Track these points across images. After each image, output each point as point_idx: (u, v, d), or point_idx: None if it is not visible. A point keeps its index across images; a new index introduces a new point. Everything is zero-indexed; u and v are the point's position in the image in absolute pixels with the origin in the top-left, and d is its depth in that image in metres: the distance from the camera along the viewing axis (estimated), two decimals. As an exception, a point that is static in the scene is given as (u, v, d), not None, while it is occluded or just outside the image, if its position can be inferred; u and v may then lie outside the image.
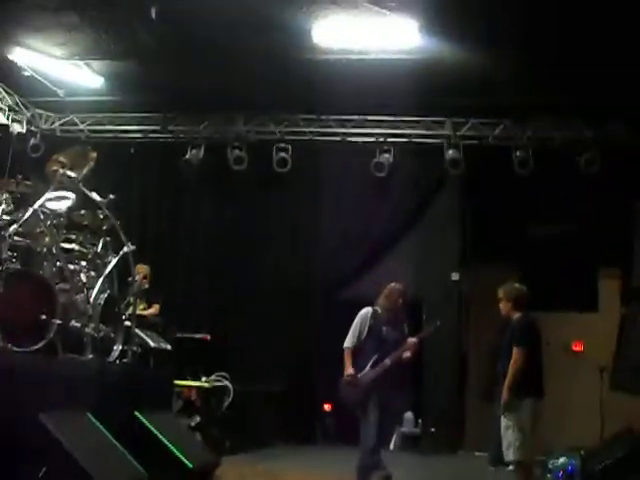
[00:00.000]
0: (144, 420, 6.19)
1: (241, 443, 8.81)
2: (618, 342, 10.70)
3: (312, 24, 8.20)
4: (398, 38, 8.38)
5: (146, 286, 9.35)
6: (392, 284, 6.84)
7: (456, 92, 9.49)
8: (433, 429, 10.26)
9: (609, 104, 9.33)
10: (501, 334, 6.38)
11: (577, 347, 10.94)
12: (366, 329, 6.67)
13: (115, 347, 6.60)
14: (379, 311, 6.72)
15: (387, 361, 6.52)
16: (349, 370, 6.61)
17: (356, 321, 6.75)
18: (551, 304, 10.75)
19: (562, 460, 7.99)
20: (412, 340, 6.59)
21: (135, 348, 6.92)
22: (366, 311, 6.75)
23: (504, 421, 6.01)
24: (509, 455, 5.94)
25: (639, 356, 10.52)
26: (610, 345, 10.64)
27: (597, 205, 10.26)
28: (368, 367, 6.58)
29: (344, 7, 7.86)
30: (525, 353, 6.07)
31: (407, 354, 6.55)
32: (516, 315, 6.28)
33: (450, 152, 10.28)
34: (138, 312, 8.05)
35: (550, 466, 7.98)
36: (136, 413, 6.17)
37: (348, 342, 6.71)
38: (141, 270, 9.03)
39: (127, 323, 6.80)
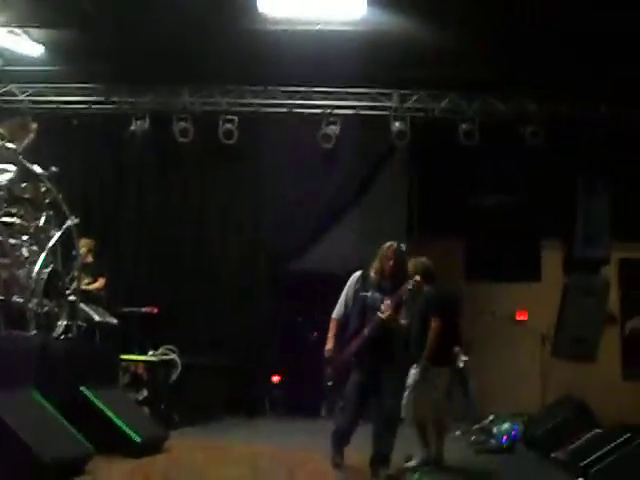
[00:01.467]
0: (90, 395, 6.15)
1: (189, 417, 8.81)
2: (560, 312, 10.98)
3: (258, -6, 8.10)
4: (345, 9, 8.33)
5: (90, 260, 9.23)
6: (386, 243, 6.16)
7: (402, 64, 9.49)
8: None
9: (554, 78, 9.46)
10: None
11: (521, 316, 11.19)
12: (352, 296, 6.10)
13: (59, 322, 6.52)
14: (371, 275, 6.10)
15: (365, 331, 5.93)
16: (328, 345, 6.09)
17: (345, 288, 6.20)
18: (496, 274, 10.99)
19: (506, 425, 8.21)
20: (386, 302, 5.87)
21: (80, 323, 6.85)
22: (354, 276, 6.18)
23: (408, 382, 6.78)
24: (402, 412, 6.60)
25: (579, 325, 10.82)
26: (552, 314, 10.91)
27: (541, 177, 10.45)
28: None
29: (291, -23, 7.77)
30: (439, 324, 6.72)
31: (381, 316, 5.84)
32: (426, 288, 6.74)
33: (396, 124, 10.31)
34: (83, 286, 7.95)
35: (494, 431, 8.19)
36: (82, 388, 6.13)
37: (334, 312, 6.18)
38: (85, 244, 8.91)
39: (71, 298, 6.71)
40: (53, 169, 6.60)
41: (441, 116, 10.42)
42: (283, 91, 10.54)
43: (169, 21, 8.49)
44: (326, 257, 10.62)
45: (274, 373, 10.93)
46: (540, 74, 9.32)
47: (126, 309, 9.57)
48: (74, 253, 6.88)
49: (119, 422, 6.16)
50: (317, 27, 8.65)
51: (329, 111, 10.49)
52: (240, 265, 10.93)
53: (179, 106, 10.58)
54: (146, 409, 8.01)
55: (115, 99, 10.68)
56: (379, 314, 5.84)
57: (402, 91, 10.44)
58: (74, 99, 10.67)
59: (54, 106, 10.62)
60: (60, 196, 6.70)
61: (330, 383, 6.08)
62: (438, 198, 10.61)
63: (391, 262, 6.01)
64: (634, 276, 11.38)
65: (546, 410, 9.09)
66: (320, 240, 10.87)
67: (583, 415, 8.11)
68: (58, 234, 6.63)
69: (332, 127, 10.44)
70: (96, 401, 6.15)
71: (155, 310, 9.88)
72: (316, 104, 10.52)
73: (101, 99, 10.69)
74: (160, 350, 8.98)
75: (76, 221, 6.76)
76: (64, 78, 10.53)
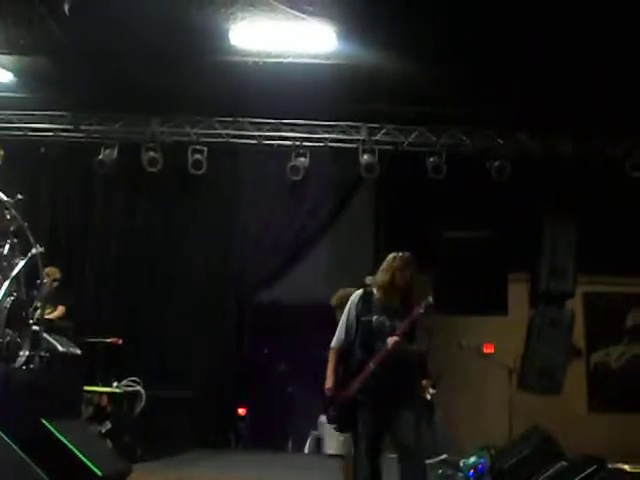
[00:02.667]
0: (51, 428, 6.01)
1: (153, 450, 8.66)
2: (526, 345, 11.04)
3: (230, 26, 8.15)
4: (316, 42, 8.43)
5: (54, 286, 9.11)
6: (391, 254, 5.25)
7: (372, 98, 9.61)
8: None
9: (518, 115, 9.64)
10: None
11: (488, 349, 11.22)
12: (353, 320, 5.17)
13: (21, 352, 6.38)
14: (374, 293, 5.17)
15: (371, 364, 4.99)
16: (327, 382, 5.14)
17: (345, 311, 5.28)
18: (463, 307, 11.03)
19: (473, 459, 8.20)
20: (394, 338, 4.99)
21: (43, 353, 6.71)
22: (354, 295, 5.25)
23: None
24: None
25: (545, 358, 10.89)
26: (519, 347, 10.97)
27: (507, 211, 10.57)
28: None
29: (262, 10, 7.84)
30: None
31: (390, 341, 4.95)
32: None
33: (365, 157, 10.39)
34: (45, 316, 7.82)
35: (462, 465, 8.17)
36: (43, 420, 6.00)
37: (333, 340, 5.26)
38: (52, 273, 8.81)
39: (35, 327, 6.59)
40: (19, 197, 6.52)
41: (409, 149, 10.52)
42: (252, 123, 10.58)
43: (140, 50, 8.50)
44: (294, 289, 10.61)
45: (240, 406, 10.82)
46: (506, 109, 9.48)
47: (90, 339, 9.43)
48: (38, 282, 6.78)
49: (80, 455, 6.02)
50: (288, 59, 8.73)
51: (298, 143, 10.54)
52: (207, 296, 10.85)
53: (148, 136, 10.56)
54: (109, 442, 7.86)
55: (84, 127, 10.64)
56: (388, 341, 4.93)
57: (371, 124, 10.54)
58: (42, 126, 10.60)
59: (22, 133, 10.53)
60: (25, 224, 6.61)
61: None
62: (406, 231, 10.66)
63: (404, 272, 5.10)
64: (599, 309, 11.52)
65: (513, 443, 9.09)
66: (288, 272, 10.85)
67: (550, 447, 8.12)
68: (22, 263, 6.53)
69: (301, 159, 10.48)
70: (58, 434, 6.01)
71: (120, 341, 9.73)
72: (285, 136, 10.57)
73: (70, 127, 10.63)
74: (124, 382, 8.84)
75: (41, 250, 6.66)
76: (33, 105, 10.47)
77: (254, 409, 10.78)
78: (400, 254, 5.18)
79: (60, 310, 9.03)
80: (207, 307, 10.79)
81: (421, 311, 5.05)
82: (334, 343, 5.23)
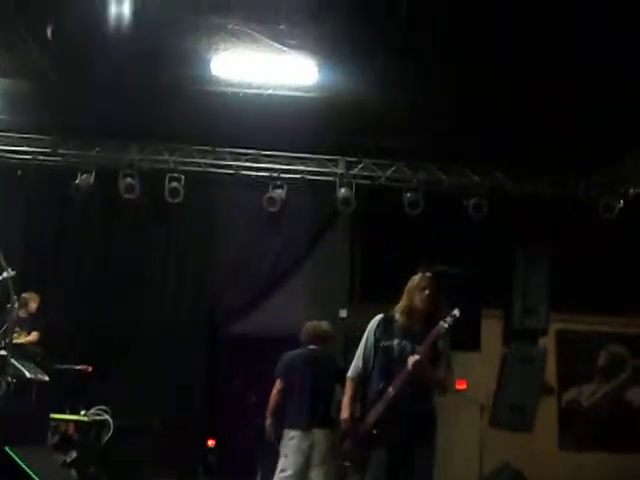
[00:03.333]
0: (15, 456, 5.90)
1: (119, 480, 8.52)
2: (498, 381, 11.06)
3: (211, 56, 8.20)
4: (297, 75, 8.49)
5: (30, 314, 9.02)
6: (417, 275, 4.90)
7: (350, 131, 9.68)
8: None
9: (494, 155, 9.77)
10: None
11: (461, 385, 11.20)
12: (371, 346, 4.74)
13: (-13, 378, 6.29)
14: (396, 317, 4.78)
15: (390, 390, 4.48)
16: (343, 413, 4.74)
17: (364, 337, 4.86)
18: (436, 343, 11.02)
19: (443, 497, 8.13)
20: (418, 351, 4.52)
21: (10, 379, 6.62)
22: (374, 320, 4.86)
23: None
24: None
25: (517, 395, 10.91)
26: (491, 384, 10.98)
27: (482, 247, 10.65)
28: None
29: (244, 41, 7.89)
30: (278, 385, 6.48)
31: (411, 361, 4.47)
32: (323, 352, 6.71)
33: (342, 190, 10.43)
34: (18, 341, 7.73)
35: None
36: (6, 448, 5.88)
37: (350, 369, 4.86)
38: (30, 297, 8.75)
39: (2, 352, 6.50)
40: (-9, 219, 6.47)
41: (386, 184, 10.58)
42: (231, 152, 10.59)
43: (121, 77, 8.51)
44: (267, 321, 10.55)
45: (209, 437, 10.68)
46: (483, 147, 9.59)
47: (59, 366, 9.29)
48: (8, 306, 6.69)
49: (44, 484, 5.91)
50: (268, 91, 8.78)
51: (276, 175, 10.56)
52: (179, 326, 10.73)
53: (126, 162, 10.53)
54: (74, 471, 7.72)
55: (61, 152, 10.59)
56: (409, 361, 4.42)
57: (349, 158, 10.60)
58: (20, 149, 10.54)
59: (-2, 155, 10.46)
60: (-3, 247, 6.54)
61: (347, 464, 4.98)
62: (380, 265, 10.69)
63: (426, 292, 4.72)
64: (571, 347, 11.58)
65: (483, 481, 9.08)
66: (261, 304, 10.79)
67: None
68: (-8, 286, 6.45)
69: (278, 191, 10.50)
70: (21, 462, 5.89)
71: (89, 369, 9.60)
72: (263, 167, 10.59)
73: (47, 151, 10.58)
74: (92, 410, 8.71)
75: (12, 273, 6.59)
76: (10, 127, 10.42)
77: (223, 441, 10.64)
78: (419, 275, 4.84)
79: (33, 335, 8.93)
80: (179, 337, 10.67)
81: (445, 326, 4.58)
82: (351, 372, 4.83)
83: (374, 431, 4.49)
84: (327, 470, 6.12)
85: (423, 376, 4.49)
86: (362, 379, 4.73)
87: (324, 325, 6.88)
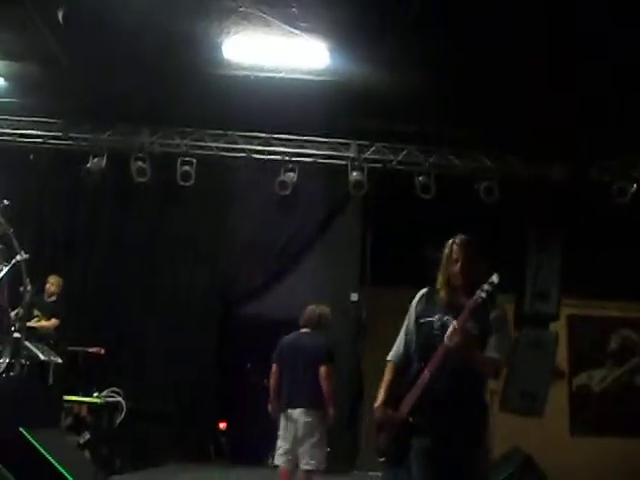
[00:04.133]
0: (30, 437, 5.96)
1: (132, 462, 8.59)
2: (508, 366, 11.05)
3: (223, 39, 8.18)
4: (308, 58, 8.47)
5: (53, 298, 9.07)
6: (449, 240, 4.11)
7: (362, 115, 9.65)
8: (328, 449, 10.28)
9: (506, 139, 9.71)
10: None
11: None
12: (413, 324, 4.01)
13: (1, 360, 6.34)
14: (439, 291, 4.03)
15: (426, 372, 3.78)
16: (377, 400, 3.99)
17: (407, 315, 4.15)
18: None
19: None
20: (453, 325, 3.74)
21: (24, 361, 6.67)
22: (418, 295, 4.15)
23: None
24: None
25: (528, 380, 10.90)
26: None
27: (493, 232, 10.60)
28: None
29: (256, 24, 7.87)
30: (274, 368, 6.72)
31: (448, 343, 3.69)
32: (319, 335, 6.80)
33: (354, 174, 10.41)
34: (34, 324, 7.79)
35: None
36: (21, 430, 5.94)
37: (391, 352, 4.14)
38: (53, 281, 8.79)
39: (16, 335, 6.54)
40: (5, 202, 6.50)
41: (398, 168, 10.56)
42: (242, 136, 10.59)
43: (133, 60, 8.51)
44: (279, 303, 10.57)
45: (221, 419, 10.75)
46: (495, 131, 9.54)
47: (72, 348, 9.36)
48: (22, 289, 6.74)
49: (58, 466, 5.97)
50: (280, 75, 8.76)
51: (287, 158, 10.55)
52: (192, 308, 10.79)
53: (137, 146, 10.54)
54: (87, 453, 7.79)
55: (73, 135, 10.61)
56: (446, 337, 3.70)
57: (360, 142, 10.57)
58: (31, 133, 10.57)
59: (10, 139, 10.49)
60: (11, 230, 6.58)
61: (382, 459, 4.00)
62: (393, 249, 10.68)
63: (458, 264, 3.97)
64: (582, 332, 11.57)
65: (493, 465, 9.09)
66: (273, 286, 10.83)
67: (530, 470, 8.14)
68: (6, 269, 6.49)
69: (290, 174, 10.49)
70: (36, 443, 5.96)
71: (102, 351, 9.67)
72: (275, 150, 10.58)
73: (59, 135, 10.60)
74: (105, 392, 8.77)
75: (26, 256, 6.63)
76: (23, 111, 10.45)
77: (235, 423, 10.71)
78: (450, 242, 4.08)
79: (53, 322, 8.96)
80: (191, 319, 10.73)
81: (483, 295, 3.81)
82: (391, 355, 4.11)
83: (410, 420, 3.77)
84: (310, 446, 6.48)
85: (464, 355, 3.73)
86: (403, 362, 4.02)
87: (319, 309, 6.92)
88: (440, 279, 4.02)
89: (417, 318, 3.99)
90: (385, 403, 3.92)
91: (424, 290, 4.13)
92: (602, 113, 8.79)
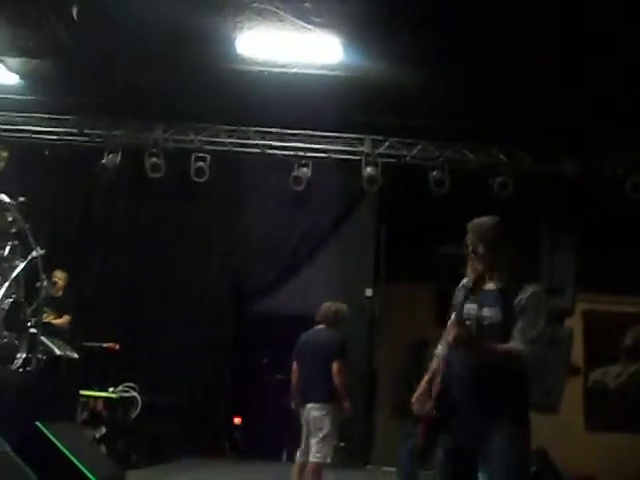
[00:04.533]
0: (46, 431, 5.99)
1: (148, 456, 8.64)
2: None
3: (237, 34, 8.18)
4: (321, 54, 8.45)
5: (60, 294, 9.11)
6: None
7: (376, 110, 9.62)
8: (342, 443, 10.29)
9: (520, 134, 9.66)
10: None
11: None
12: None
13: (18, 355, 6.37)
14: (469, 281, 3.88)
15: (442, 365, 3.79)
16: (415, 394, 3.83)
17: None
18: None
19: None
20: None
21: (40, 356, 6.70)
22: (459, 285, 4.00)
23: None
24: None
25: (550, 377, 10.86)
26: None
27: (507, 227, 10.56)
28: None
29: (269, 19, 7.86)
30: (294, 366, 6.84)
31: (449, 337, 3.57)
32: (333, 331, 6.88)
33: (368, 169, 10.40)
34: (47, 320, 7.82)
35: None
36: (38, 424, 5.98)
37: (438, 346, 4.01)
38: (59, 276, 8.82)
39: (32, 330, 6.58)
40: (21, 199, 6.53)
41: (412, 163, 10.53)
42: (256, 132, 10.59)
43: (147, 56, 8.53)
44: (293, 299, 10.58)
45: (236, 414, 10.78)
46: (510, 127, 9.49)
47: (88, 344, 9.41)
48: (38, 285, 6.77)
49: (75, 460, 6.01)
50: (293, 70, 8.75)
51: (301, 154, 10.54)
52: (206, 304, 10.83)
53: (152, 142, 10.57)
54: (103, 447, 7.84)
55: (88, 132, 10.65)
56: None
57: (375, 137, 10.55)
58: (46, 129, 10.62)
59: (26, 135, 10.55)
60: (27, 226, 6.61)
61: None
62: (406, 244, 10.67)
63: (470, 249, 3.90)
64: (598, 328, 11.51)
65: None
66: (288, 282, 10.84)
67: (546, 466, 8.11)
68: (23, 265, 6.52)
69: (303, 170, 10.49)
70: (52, 438, 5.99)
71: (117, 346, 9.71)
72: (289, 146, 10.58)
73: (74, 131, 10.65)
74: (120, 387, 8.82)
75: (42, 252, 6.66)
76: (38, 108, 10.50)
77: (250, 418, 10.74)
78: (471, 223, 3.96)
79: (65, 319, 9.01)
80: (206, 315, 10.77)
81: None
82: (438, 348, 3.99)
83: (435, 413, 3.62)
84: (317, 440, 6.56)
85: (468, 349, 3.62)
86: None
87: (335, 306, 6.96)
88: (467, 268, 3.89)
89: (457, 308, 3.80)
90: (420, 399, 3.78)
91: (464, 280, 3.96)
92: (611, 109, 8.73)
